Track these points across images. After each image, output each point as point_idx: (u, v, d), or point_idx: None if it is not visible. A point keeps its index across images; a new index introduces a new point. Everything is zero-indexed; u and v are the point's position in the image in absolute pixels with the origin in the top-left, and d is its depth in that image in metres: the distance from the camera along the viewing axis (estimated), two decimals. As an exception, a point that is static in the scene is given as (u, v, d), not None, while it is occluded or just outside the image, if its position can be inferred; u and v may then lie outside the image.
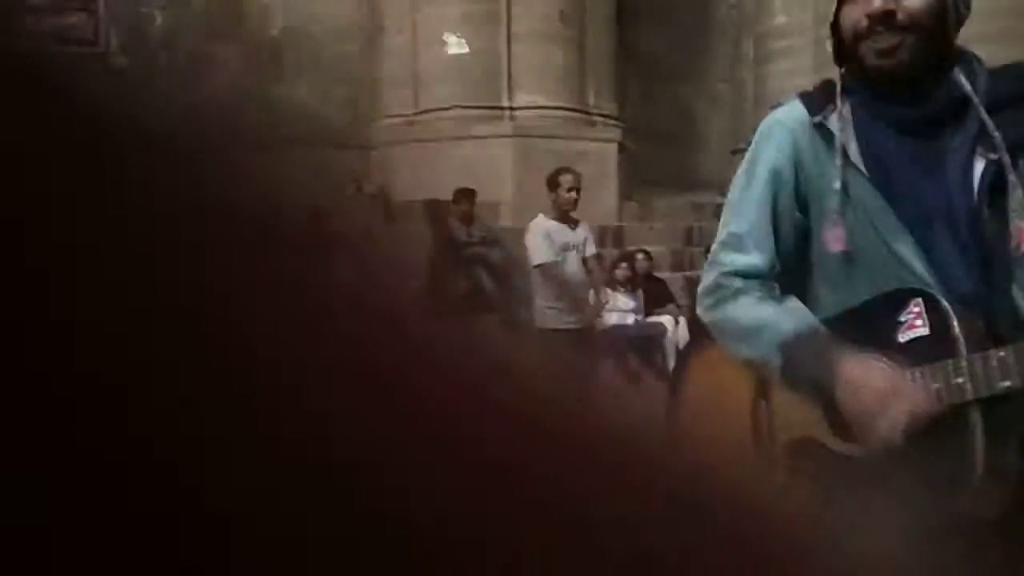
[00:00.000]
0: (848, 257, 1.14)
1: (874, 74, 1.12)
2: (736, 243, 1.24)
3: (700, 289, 1.28)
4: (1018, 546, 1.03)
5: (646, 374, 6.82)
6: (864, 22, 1.10)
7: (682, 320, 6.93)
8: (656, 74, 12.90)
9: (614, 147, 9.49)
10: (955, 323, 0.97)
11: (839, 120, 1.16)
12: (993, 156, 1.06)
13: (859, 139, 1.14)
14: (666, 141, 12.40)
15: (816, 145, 1.18)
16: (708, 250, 5.49)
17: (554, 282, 4.27)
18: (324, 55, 9.72)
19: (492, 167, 8.89)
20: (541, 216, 4.48)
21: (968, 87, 1.09)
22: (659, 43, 12.89)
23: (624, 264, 6.94)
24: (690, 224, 9.64)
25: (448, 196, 7.91)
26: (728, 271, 1.23)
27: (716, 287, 1.25)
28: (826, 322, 1.15)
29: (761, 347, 1.15)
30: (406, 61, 9.33)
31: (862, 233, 1.13)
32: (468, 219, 7.67)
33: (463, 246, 7.43)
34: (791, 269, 1.23)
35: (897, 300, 1.04)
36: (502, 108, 9.22)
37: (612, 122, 9.90)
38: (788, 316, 1.15)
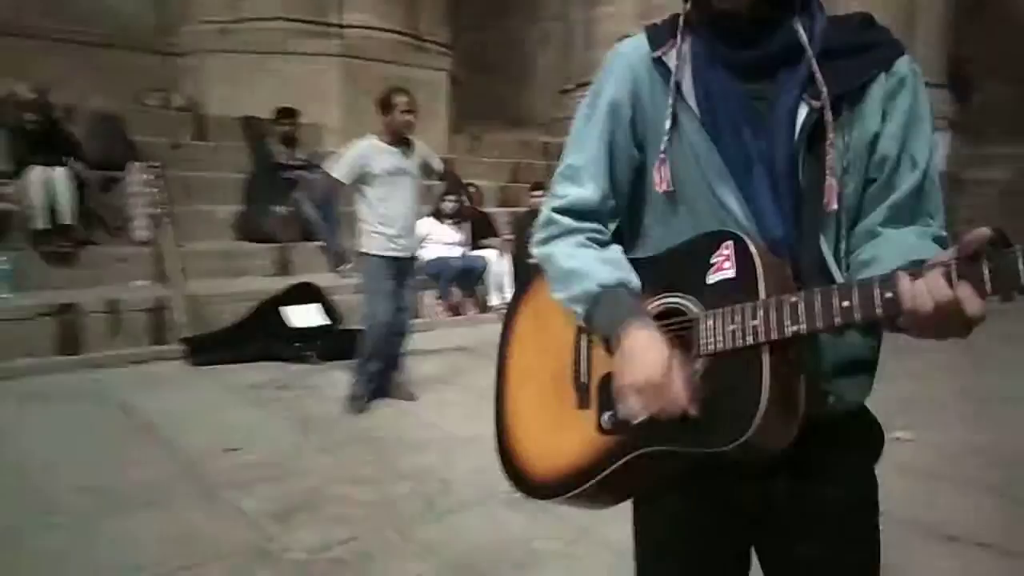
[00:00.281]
0: (674, 196, 1.14)
1: (718, 12, 1.09)
2: (573, 175, 1.23)
3: (537, 221, 1.27)
4: (801, 480, 1.12)
5: (467, 304, 6.89)
6: None
7: (506, 255, 7.03)
8: (489, 7, 12.73)
9: (445, 76, 9.30)
10: (759, 268, 0.98)
11: (677, 57, 1.14)
12: (816, 104, 1.05)
13: (695, 78, 1.13)
14: (497, 76, 12.36)
15: (654, 80, 1.16)
16: (533, 187, 5.58)
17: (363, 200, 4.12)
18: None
19: (317, 87, 8.43)
20: (372, 137, 4.25)
21: (803, 33, 1.08)
22: (494, -27, 12.69)
23: (451, 197, 6.88)
24: (517, 160, 9.73)
25: (268, 114, 7.47)
26: (562, 205, 1.22)
27: (548, 222, 1.23)
28: (652, 260, 1.16)
29: (571, 294, 1.15)
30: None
31: (688, 173, 1.13)
32: (290, 140, 7.26)
33: (284, 169, 7.04)
34: (627, 204, 1.23)
35: (713, 241, 1.05)
36: (329, 24, 8.73)
37: (444, 51, 9.67)
38: (601, 269, 1.14)
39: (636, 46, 1.21)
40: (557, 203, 1.23)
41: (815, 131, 1.07)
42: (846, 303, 0.90)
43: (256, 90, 8.07)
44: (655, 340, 1.03)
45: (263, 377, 4.83)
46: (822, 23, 1.11)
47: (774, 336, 0.95)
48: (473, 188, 7.65)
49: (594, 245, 1.20)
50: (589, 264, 1.16)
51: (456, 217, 7.00)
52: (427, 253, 6.43)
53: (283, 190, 6.80)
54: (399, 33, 8.99)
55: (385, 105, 4.20)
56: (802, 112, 1.08)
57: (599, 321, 1.11)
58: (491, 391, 1.29)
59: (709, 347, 1.00)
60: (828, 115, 1.06)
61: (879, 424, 1.20)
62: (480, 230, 7.28)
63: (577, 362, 1.19)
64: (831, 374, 1.09)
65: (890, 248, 1.06)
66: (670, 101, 1.14)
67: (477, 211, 7.45)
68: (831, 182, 1.06)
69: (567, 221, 1.22)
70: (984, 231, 0.84)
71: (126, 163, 6.16)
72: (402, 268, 4.25)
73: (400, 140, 4.21)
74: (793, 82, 1.09)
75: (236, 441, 3.60)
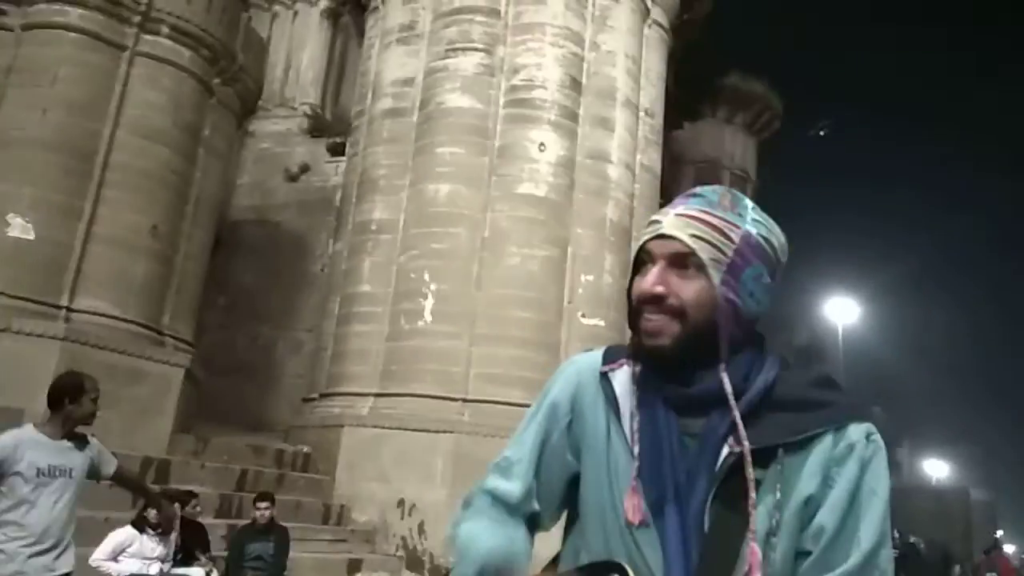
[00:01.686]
0: (589, 514, 1.12)
1: (642, 349, 1.11)
2: (504, 468, 1.21)
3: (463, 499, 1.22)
4: None
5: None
6: (637, 299, 1.12)
7: (215, 572, 6.26)
8: (243, 310, 12.78)
9: (180, 373, 8.87)
10: None
11: (623, 377, 1.15)
12: (738, 450, 1.01)
13: (634, 402, 1.12)
14: (240, 379, 12.03)
15: (597, 394, 1.17)
16: (258, 497, 5.11)
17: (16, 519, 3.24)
18: None
19: (31, 369, 7.63)
20: (30, 427, 3.48)
21: (726, 381, 1.05)
22: (251, 280, 12.96)
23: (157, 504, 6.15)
24: (247, 467, 9.13)
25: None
26: (486, 490, 1.20)
27: (468, 501, 1.20)
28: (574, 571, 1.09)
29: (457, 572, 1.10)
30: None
31: (604, 494, 1.10)
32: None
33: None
34: (557, 507, 1.21)
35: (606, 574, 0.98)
36: (58, 307, 8.19)
37: (184, 347, 9.35)
38: (487, 553, 1.10)
39: (591, 358, 1.24)
40: (482, 488, 1.21)
41: (735, 483, 1.01)
42: None
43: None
44: None
45: None
46: (771, 371, 1.10)
47: None
48: (191, 495, 6.95)
49: (500, 530, 1.15)
50: (480, 545, 1.12)
51: (160, 528, 6.23)
52: (123, 568, 5.56)
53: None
54: (135, 324, 8.61)
55: (74, 390, 3.61)
56: (721, 456, 1.04)
57: None
58: None
59: None
60: (748, 467, 1.00)
61: None
62: (191, 543, 6.50)
63: None
64: None
65: None
66: (608, 420, 1.14)
67: (191, 521, 6.71)
68: (752, 545, 0.97)
69: (485, 502, 1.18)
70: None
71: None
72: None
73: (73, 434, 3.57)
74: (722, 425, 1.06)
75: None
